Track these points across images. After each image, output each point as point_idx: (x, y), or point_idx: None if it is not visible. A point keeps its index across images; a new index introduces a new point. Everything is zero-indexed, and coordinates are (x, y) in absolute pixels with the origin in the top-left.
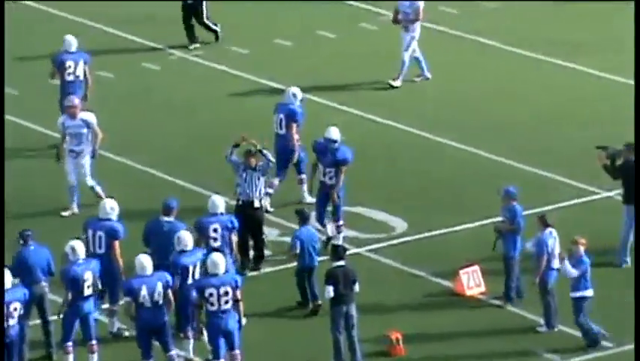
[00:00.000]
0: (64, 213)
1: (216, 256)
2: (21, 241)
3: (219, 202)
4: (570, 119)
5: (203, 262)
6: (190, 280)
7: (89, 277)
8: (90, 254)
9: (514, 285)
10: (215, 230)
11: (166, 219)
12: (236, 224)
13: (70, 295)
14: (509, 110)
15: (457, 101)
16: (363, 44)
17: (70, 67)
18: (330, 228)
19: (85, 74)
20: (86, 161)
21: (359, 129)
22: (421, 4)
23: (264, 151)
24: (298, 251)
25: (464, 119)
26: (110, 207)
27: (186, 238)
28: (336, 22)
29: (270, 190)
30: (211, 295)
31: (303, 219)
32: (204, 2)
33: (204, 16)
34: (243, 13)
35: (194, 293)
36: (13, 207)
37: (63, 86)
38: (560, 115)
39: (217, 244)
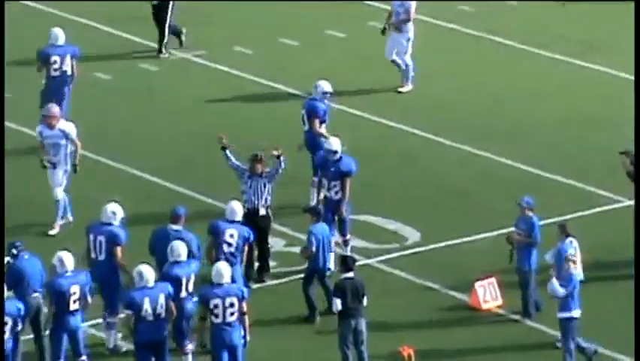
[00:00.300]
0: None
1: (221, 265)
2: (14, 252)
3: (238, 209)
4: (591, 122)
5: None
6: (184, 293)
7: (75, 290)
8: (92, 261)
9: (532, 300)
10: (231, 235)
11: (174, 227)
12: (252, 237)
13: (54, 309)
14: (528, 112)
15: (472, 104)
16: (373, 44)
17: (55, 62)
18: (333, 257)
19: (72, 69)
20: (62, 172)
21: (369, 133)
22: (414, 3)
23: (282, 157)
24: (314, 249)
25: (480, 123)
26: (112, 211)
27: (179, 248)
28: (345, 21)
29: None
30: (216, 306)
31: (317, 215)
32: (171, 4)
33: (167, 19)
34: (246, 11)
35: (189, 305)
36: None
37: (48, 82)
38: (580, 117)
39: (231, 250)
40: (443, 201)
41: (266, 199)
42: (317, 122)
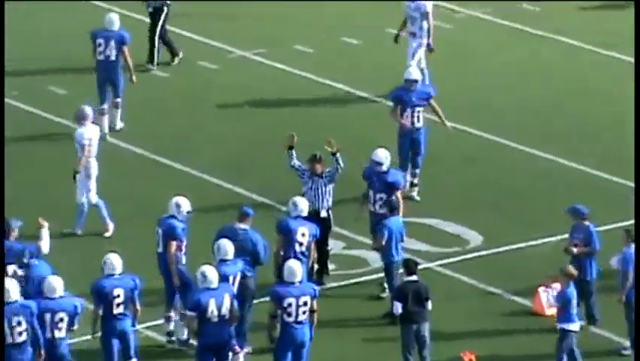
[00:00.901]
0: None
1: (293, 264)
2: (24, 260)
3: (304, 205)
4: None
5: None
6: None
7: (119, 293)
8: (157, 253)
9: (596, 306)
10: (303, 234)
11: (241, 226)
12: (319, 233)
13: (100, 312)
14: (592, 114)
15: (536, 104)
16: (436, 43)
17: (100, 45)
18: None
19: (124, 56)
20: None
21: (432, 135)
22: (429, 3)
23: (337, 155)
24: (385, 241)
25: (543, 124)
26: (176, 204)
27: (227, 246)
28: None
29: (415, 180)
30: (290, 305)
31: (392, 209)
32: (164, 13)
33: (157, 30)
34: (307, 9)
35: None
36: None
37: (97, 66)
38: None
39: (302, 249)
40: (506, 203)
41: (327, 200)
42: (397, 110)
